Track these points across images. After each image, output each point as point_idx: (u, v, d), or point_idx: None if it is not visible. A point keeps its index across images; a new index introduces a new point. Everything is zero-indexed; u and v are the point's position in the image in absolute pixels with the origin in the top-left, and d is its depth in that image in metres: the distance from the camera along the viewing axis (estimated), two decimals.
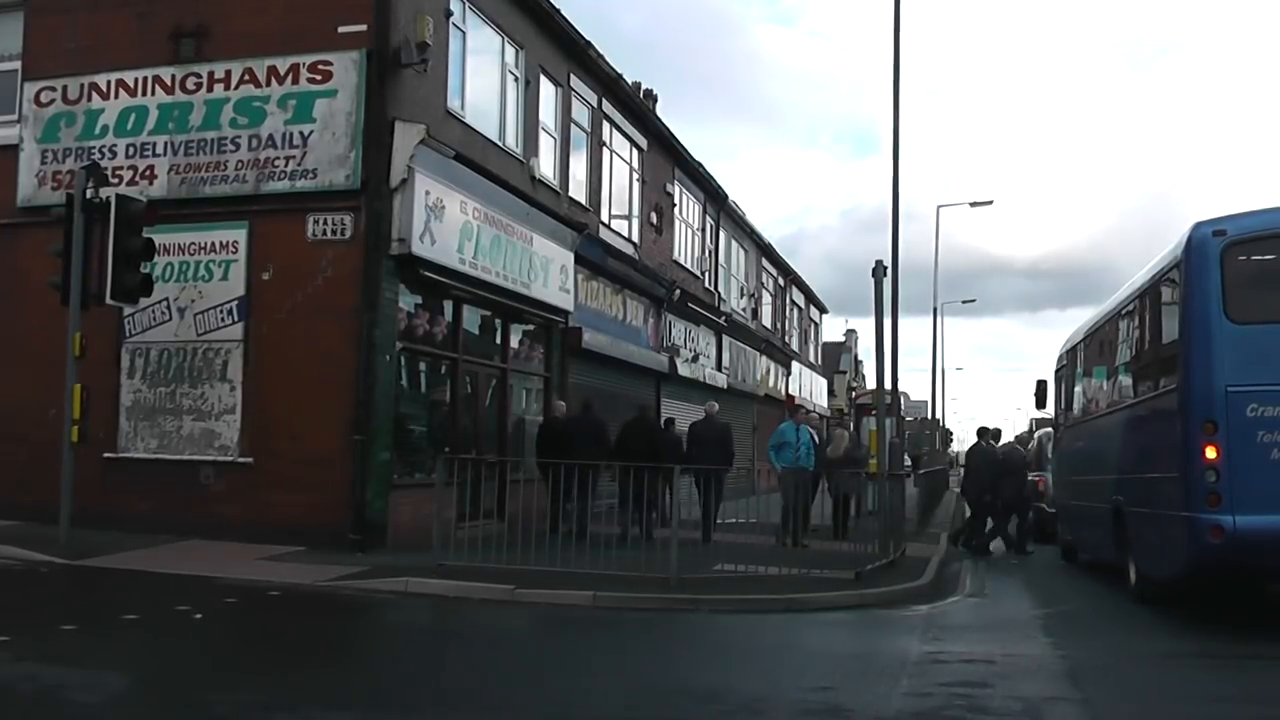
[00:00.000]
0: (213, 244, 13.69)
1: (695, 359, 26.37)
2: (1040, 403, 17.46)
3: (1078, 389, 14.76)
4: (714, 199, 28.57)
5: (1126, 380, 11.74)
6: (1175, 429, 9.35)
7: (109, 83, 14.25)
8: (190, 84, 13.89)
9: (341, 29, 13.28)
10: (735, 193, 33.87)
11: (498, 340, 16.89)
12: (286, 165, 13.40)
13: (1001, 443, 18.54)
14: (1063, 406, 16.07)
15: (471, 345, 15.89)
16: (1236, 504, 8.71)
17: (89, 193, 12.15)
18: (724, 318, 28.97)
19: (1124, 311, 11.92)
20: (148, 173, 13.98)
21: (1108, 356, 12.86)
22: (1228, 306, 9.02)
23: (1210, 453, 8.86)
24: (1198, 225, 9.36)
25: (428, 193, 13.53)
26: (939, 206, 72.29)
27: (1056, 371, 16.54)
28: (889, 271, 16.24)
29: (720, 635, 9.32)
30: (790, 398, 15.57)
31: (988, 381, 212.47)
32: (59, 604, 9.82)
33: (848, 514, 15.77)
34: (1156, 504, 9.94)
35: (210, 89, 13.78)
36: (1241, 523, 8.66)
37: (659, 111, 25.04)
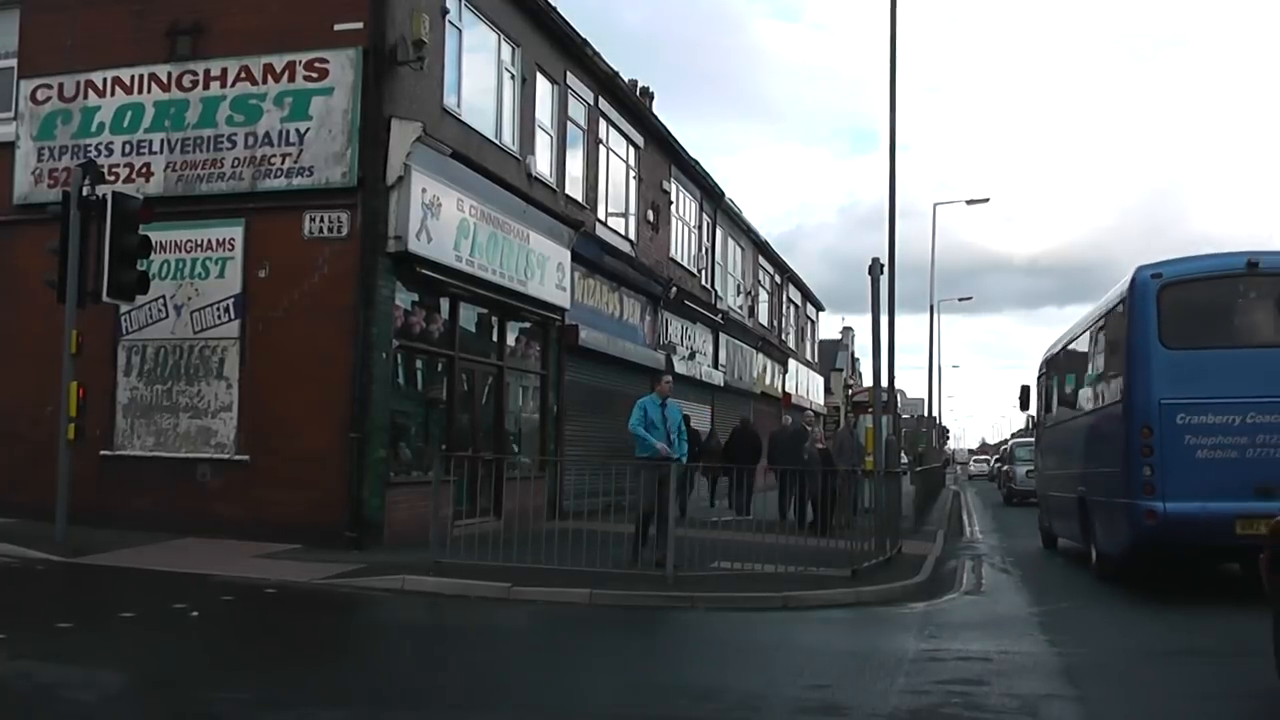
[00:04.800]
0: (209, 241, 13.69)
1: (692, 356, 26.40)
2: (1024, 406, 19.66)
3: (1054, 396, 16.69)
4: (711, 196, 28.58)
5: (1087, 391, 13.72)
6: (1121, 432, 11.26)
7: (105, 80, 14.24)
8: (186, 81, 13.88)
9: (337, 27, 13.28)
10: (734, 189, 34.02)
11: (494, 338, 16.90)
12: (283, 163, 13.39)
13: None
14: (1042, 410, 17.89)
15: (468, 343, 15.90)
16: (1167, 493, 10.57)
17: (85, 190, 12.15)
18: (721, 315, 28.99)
19: (1085, 334, 13.94)
20: (144, 170, 13.97)
21: (1074, 370, 14.89)
22: (1162, 335, 10.95)
23: (1147, 452, 10.78)
24: (1140, 269, 11.41)
25: (424, 190, 13.53)
26: (935, 204, 72.27)
27: (1038, 378, 18.36)
28: (885, 269, 16.29)
29: (717, 633, 9.32)
30: (662, 377, 12.12)
31: (985, 379, 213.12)
32: (56, 601, 9.81)
33: (830, 511, 15.82)
34: (1108, 493, 11.78)
35: (206, 86, 13.78)
36: (1171, 508, 10.52)
37: (655, 109, 25.06)
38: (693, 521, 13.98)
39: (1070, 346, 15.21)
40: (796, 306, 43.55)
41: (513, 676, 7.34)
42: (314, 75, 13.34)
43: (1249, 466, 10.48)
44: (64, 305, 12.01)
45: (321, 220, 13.30)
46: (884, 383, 17.13)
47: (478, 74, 16.02)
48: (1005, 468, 34.44)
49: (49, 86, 14.53)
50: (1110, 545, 12.10)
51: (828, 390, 52.85)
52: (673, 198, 25.28)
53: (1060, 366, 16.08)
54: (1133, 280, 11.38)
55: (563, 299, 18.06)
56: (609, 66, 20.21)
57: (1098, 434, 12.78)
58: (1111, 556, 12.15)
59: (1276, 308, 11.22)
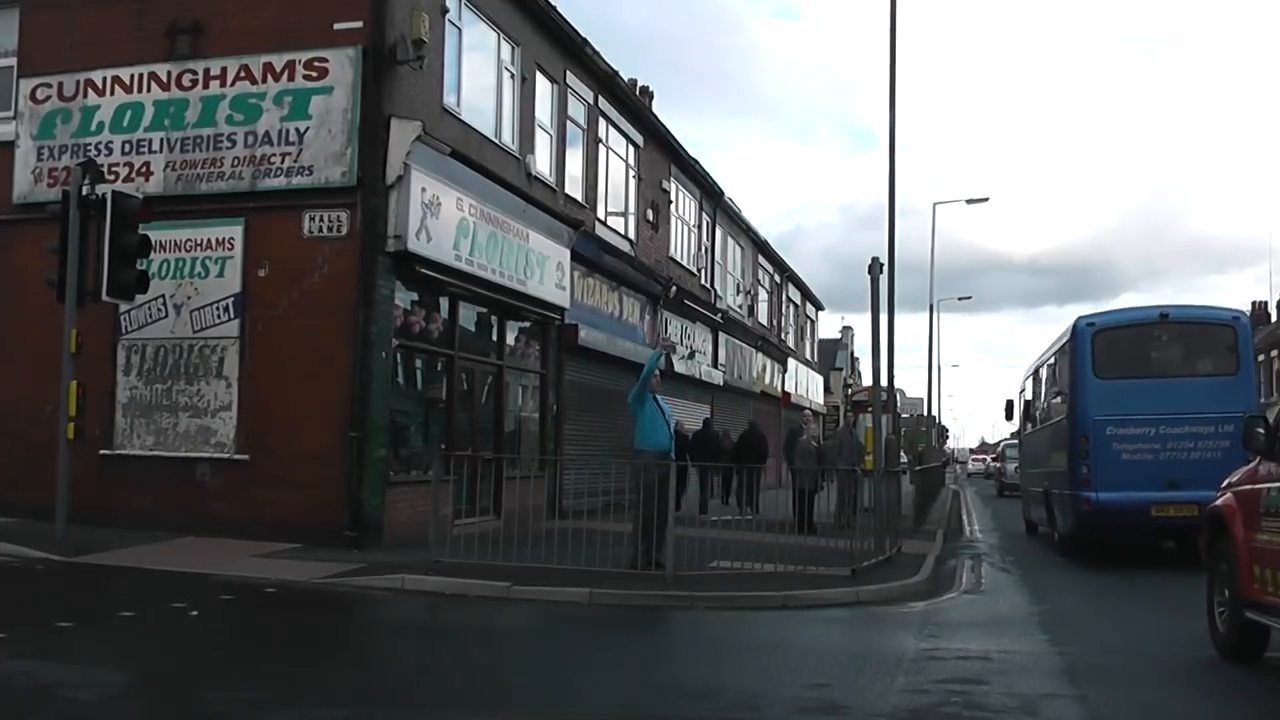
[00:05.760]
0: (209, 241, 13.68)
1: (691, 356, 26.39)
2: (1009, 416, 23.34)
3: (1029, 409, 20.20)
4: (710, 195, 28.57)
5: (1048, 408, 17.59)
6: (1068, 440, 14.68)
7: (105, 79, 14.23)
8: (186, 81, 13.88)
9: (337, 26, 13.27)
10: (733, 188, 34.18)
11: (494, 337, 16.89)
12: (283, 162, 13.39)
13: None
14: (1022, 420, 21.26)
15: (468, 342, 15.89)
16: (1099, 486, 13.84)
17: (85, 189, 12.15)
18: (720, 315, 28.98)
19: (1045, 364, 17.80)
20: (144, 169, 13.97)
21: (1040, 391, 18.69)
22: (1095, 368, 14.30)
23: (1085, 455, 14.05)
24: (1079, 319, 14.89)
25: (424, 189, 13.53)
26: (935, 204, 72.42)
27: (1019, 393, 21.93)
28: (885, 268, 16.30)
29: (716, 632, 9.32)
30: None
31: (985, 378, 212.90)
32: (55, 601, 9.80)
33: (812, 508, 16.02)
34: (1060, 486, 15.30)
35: (206, 86, 13.77)
36: (1102, 497, 13.82)
37: (655, 108, 25.04)
38: (693, 521, 13.98)
39: (1037, 372, 18.98)
40: (796, 306, 43.53)
41: (512, 676, 7.34)
42: (313, 74, 13.33)
43: (1161, 466, 13.59)
44: (64, 304, 12.01)
45: (321, 219, 13.29)
46: (884, 382, 17.14)
47: (477, 73, 16.01)
48: (999, 465, 43.15)
49: (49, 85, 14.53)
50: (1064, 526, 15.51)
51: (827, 390, 52.84)
52: (672, 197, 25.28)
53: (1031, 387, 19.83)
54: (1074, 327, 14.80)
55: (562, 298, 18.06)
56: (608, 66, 20.20)
57: (1055, 441, 16.12)
58: (1065, 535, 15.62)
59: (1181, 348, 14.65)
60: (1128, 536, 14.72)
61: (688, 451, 19.72)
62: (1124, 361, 14.40)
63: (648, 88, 27.19)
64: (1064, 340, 15.42)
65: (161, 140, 13.96)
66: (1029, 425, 20.15)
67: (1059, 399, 15.94)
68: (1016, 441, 27.38)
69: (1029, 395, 20.10)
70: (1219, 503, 8.07)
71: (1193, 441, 13.53)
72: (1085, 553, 15.23)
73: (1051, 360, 16.95)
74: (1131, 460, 13.80)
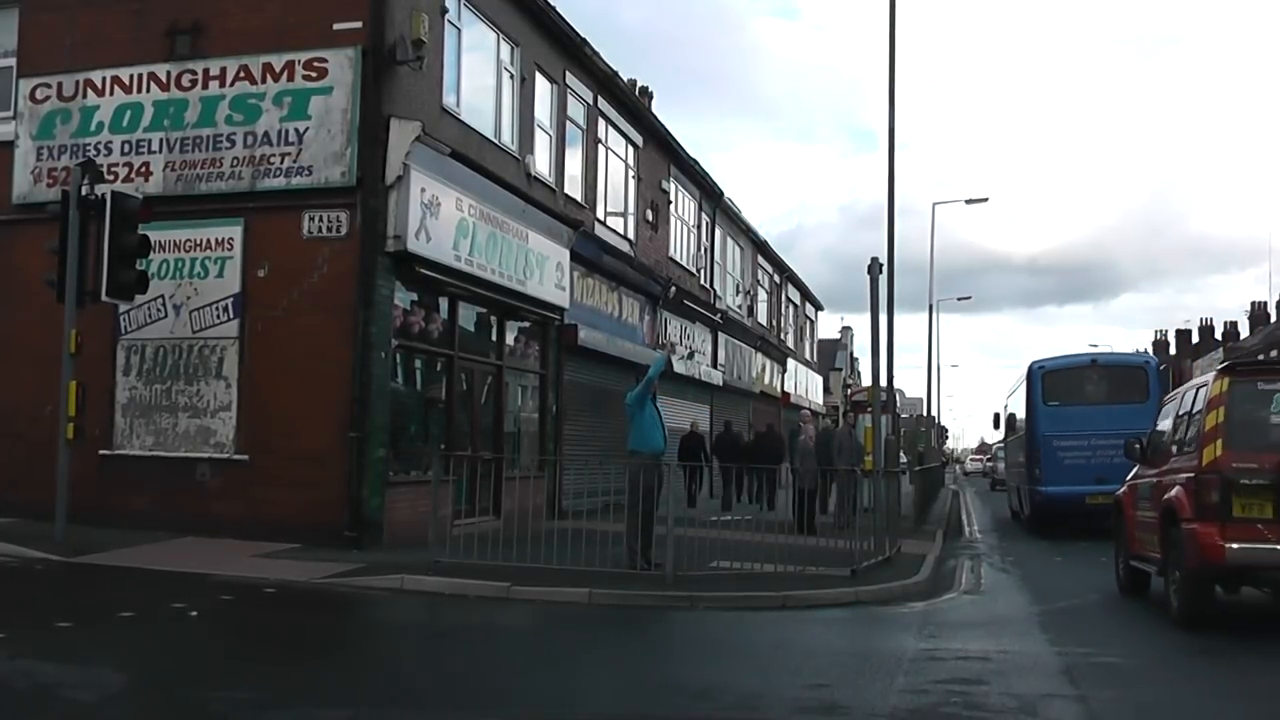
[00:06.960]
0: (208, 241, 13.68)
1: (691, 356, 26.38)
2: (996, 426, 29.86)
3: (1010, 423, 25.36)
4: (710, 196, 28.57)
5: (1017, 424, 23.02)
6: (1027, 448, 20.40)
7: (104, 79, 14.23)
8: (186, 81, 13.87)
9: (337, 26, 13.27)
10: (733, 188, 34.24)
11: (493, 337, 16.89)
12: (282, 162, 13.38)
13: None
14: (1006, 430, 26.74)
15: (467, 342, 15.89)
16: (1047, 482, 19.17)
17: (85, 189, 12.16)
18: (719, 315, 28.98)
19: (1015, 393, 23.51)
20: (143, 169, 13.96)
21: (1013, 411, 24.13)
22: (1045, 397, 19.74)
23: (1037, 460, 19.50)
24: (1033, 363, 20.56)
25: (423, 190, 13.53)
26: (935, 203, 72.54)
27: (1003, 408, 27.37)
28: (885, 268, 16.33)
29: (715, 632, 9.32)
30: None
31: (985, 378, 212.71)
32: (55, 601, 9.81)
33: (813, 509, 16.00)
34: (1023, 482, 21.10)
35: (205, 86, 13.77)
36: (1049, 490, 19.15)
37: (654, 108, 25.04)
38: (694, 521, 13.98)
39: (1012, 396, 24.76)
40: (795, 306, 43.53)
41: (512, 676, 7.34)
42: (313, 75, 13.32)
43: (1092, 468, 18.01)
44: (63, 304, 12.01)
45: (321, 220, 13.29)
46: (883, 382, 17.16)
47: (477, 73, 16.01)
48: (993, 464, 48.29)
49: (48, 85, 14.53)
50: (1027, 511, 21.00)
51: (827, 390, 52.84)
52: (671, 197, 25.28)
53: (1010, 406, 25.34)
54: (1029, 369, 20.45)
55: (562, 298, 18.06)
56: (608, 66, 20.20)
57: (1021, 449, 21.50)
58: (1028, 517, 20.96)
59: (1107, 383, 19.62)
60: (1070, 519, 19.01)
61: (711, 451, 21.69)
62: (1065, 393, 19.69)
63: (647, 88, 27.23)
64: (1024, 377, 20.99)
65: (161, 140, 13.95)
66: (1011, 434, 25.39)
67: (1023, 419, 21.39)
68: (1004, 446, 33.38)
69: (1009, 412, 25.66)
70: (1119, 492, 11.97)
71: (1115, 450, 16.37)
72: (1085, 552, 15.59)
73: (1017, 390, 22.76)
74: (1071, 464, 18.80)
